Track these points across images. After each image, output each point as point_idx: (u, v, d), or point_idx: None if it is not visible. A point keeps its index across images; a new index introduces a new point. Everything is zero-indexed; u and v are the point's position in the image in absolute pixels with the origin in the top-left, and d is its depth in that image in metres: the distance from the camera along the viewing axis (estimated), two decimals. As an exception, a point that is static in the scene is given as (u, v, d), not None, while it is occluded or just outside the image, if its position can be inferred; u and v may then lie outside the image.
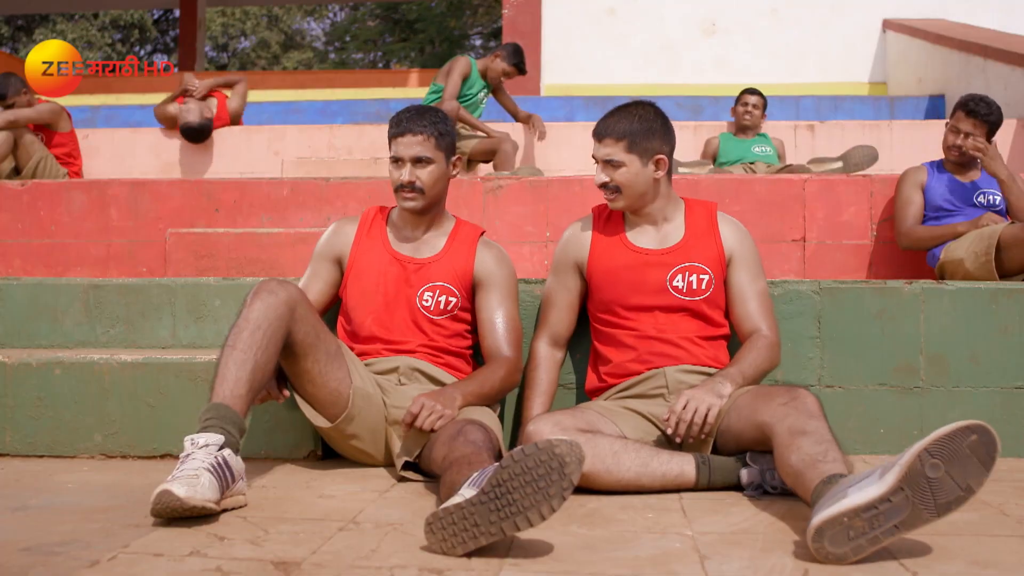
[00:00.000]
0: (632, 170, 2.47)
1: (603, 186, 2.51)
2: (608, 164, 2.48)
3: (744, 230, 2.59)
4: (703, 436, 2.24)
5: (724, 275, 2.54)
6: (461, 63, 5.87)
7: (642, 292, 2.50)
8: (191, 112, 6.18)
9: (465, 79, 5.85)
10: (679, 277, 2.49)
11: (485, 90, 6.04)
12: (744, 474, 2.18)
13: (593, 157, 2.53)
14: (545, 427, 2.20)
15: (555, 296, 2.64)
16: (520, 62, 5.95)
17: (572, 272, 2.62)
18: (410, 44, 22.90)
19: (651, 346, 2.47)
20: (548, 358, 2.63)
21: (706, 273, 2.50)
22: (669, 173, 2.54)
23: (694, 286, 2.49)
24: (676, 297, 2.49)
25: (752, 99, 6.08)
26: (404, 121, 2.55)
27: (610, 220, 2.61)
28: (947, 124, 4.00)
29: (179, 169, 6.30)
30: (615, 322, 2.53)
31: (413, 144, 2.54)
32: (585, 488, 2.11)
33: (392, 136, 2.57)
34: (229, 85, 6.65)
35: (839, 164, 5.48)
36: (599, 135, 2.50)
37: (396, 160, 2.56)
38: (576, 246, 2.61)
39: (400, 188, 2.56)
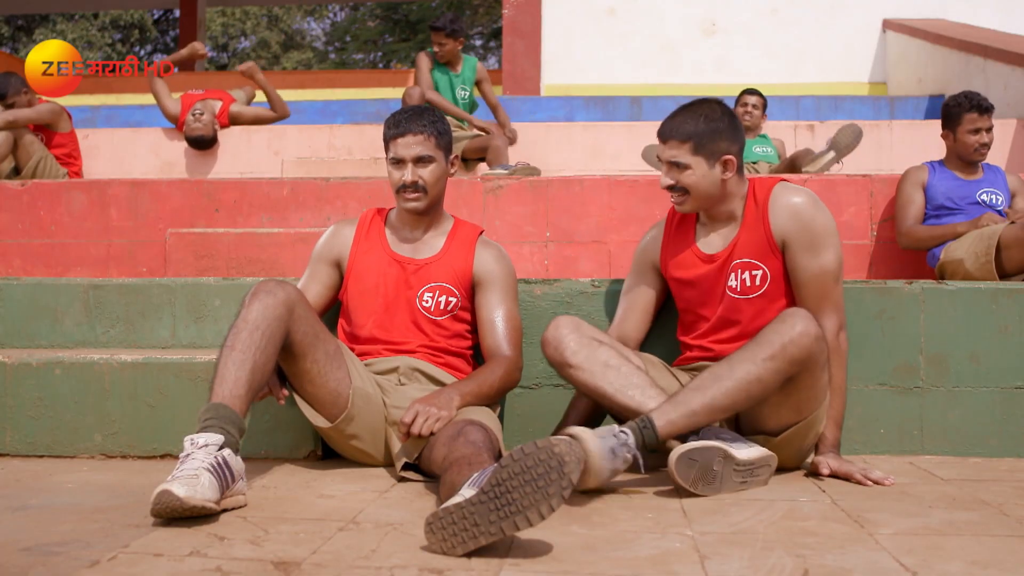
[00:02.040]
0: (698, 173, 2.38)
1: (670, 188, 2.42)
2: (673, 166, 2.39)
3: (801, 206, 2.38)
4: None
5: (782, 262, 2.41)
6: (422, 60, 5.94)
7: (709, 299, 2.47)
8: (200, 126, 6.17)
9: (430, 70, 5.89)
10: (733, 276, 2.43)
11: (464, 86, 6.03)
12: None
13: (658, 158, 2.44)
14: (565, 328, 2.34)
15: (627, 295, 2.63)
16: (436, 22, 5.83)
17: (651, 271, 2.60)
18: (410, 44, 22.89)
19: (708, 351, 2.47)
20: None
21: (759, 268, 2.41)
22: (740, 171, 2.44)
23: (747, 283, 2.41)
24: (733, 298, 2.43)
25: (752, 99, 6.07)
26: (403, 122, 2.54)
27: (683, 222, 2.55)
28: (959, 130, 3.99)
29: (179, 169, 6.30)
30: (685, 320, 2.57)
31: (414, 144, 2.53)
32: (569, 377, 2.34)
33: (391, 137, 2.56)
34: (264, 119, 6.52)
35: (831, 154, 5.47)
36: (663, 136, 2.41)
37: (397, 161, 2.56)
38: (652, 250, 2.60)
39: (402, 189, 2.56)
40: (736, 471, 2.18)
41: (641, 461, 2.08)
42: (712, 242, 2.49)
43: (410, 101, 5.74)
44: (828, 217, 2.41)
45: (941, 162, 4.10)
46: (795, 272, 2.40)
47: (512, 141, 6.10)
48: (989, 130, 4.00)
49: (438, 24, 5.84)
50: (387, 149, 2.58)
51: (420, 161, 2.54)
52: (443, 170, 2.59)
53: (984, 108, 3.99)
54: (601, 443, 2.01)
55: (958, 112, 4.01)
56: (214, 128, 6.22)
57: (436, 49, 5.88)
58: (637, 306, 2.61)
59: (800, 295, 2.40)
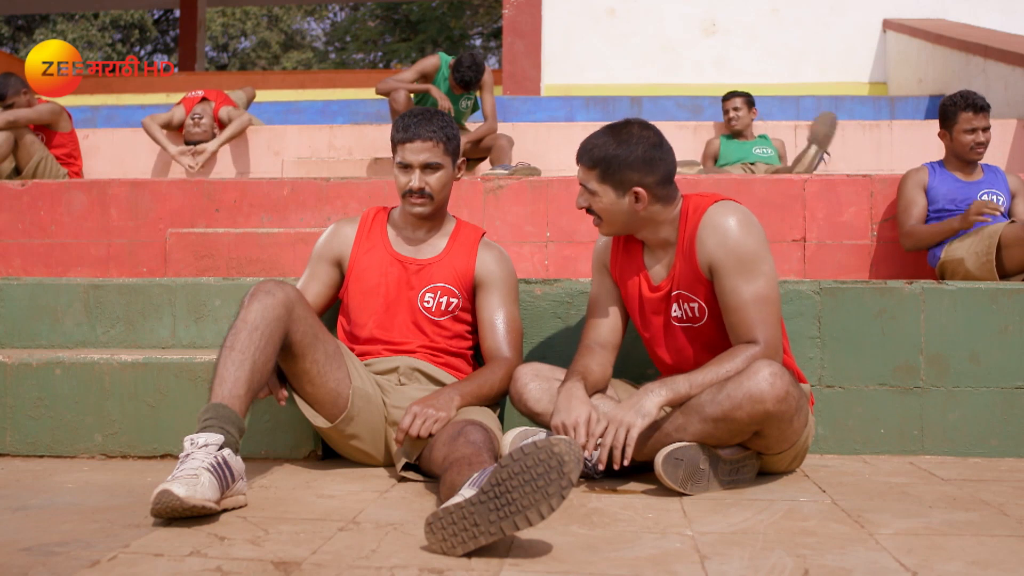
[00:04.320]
0: (606, 200, 2.29)
1: (586, 211, 2.35)
2: (584, 189, 2.32)
3: (727, 228, 2.24)
4: (625, 462, 2.11)
5: (712, 290, 2.29)
6: (428, 59, 5.85)
7: (654, 325, 2.42)
8: (200, 130, 6.15)
9: (428, 77, 5.81)
10: (676, 305, 2.36)
11: (467, 97, 6.00)
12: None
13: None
14: (524, 377, 2.40)
15: (595, 301, 2.51)
16: (460, 76, 5.72)
17: (608, 275, 2.51)
18: (411, 44, 22.89)
19: (671, 368, 2.43)
20: (588, 348, 2.43)
21: (694, 301, 2.32)
22: (666, 199, 2.30)
23: (690, 314, 2.34)
24: (678, 326, 2.37)
25: (734, 102, 6.01)
26: (412, 127, 2.52)
27: (630, 239, 2.46)
28: (955, 129, 3.99)
29: (179, 169, 6.30)
30: (641, 336, 2.51)
31: (422, 150, 2.51)
32: (540, 424, 2.40)
33: (399, 141, 2.54)
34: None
35: (813, 148, 5.45)
36: (577, 156, 2.32)
37: (405, 166, 2.54)
38: (604, 256, 2.52)
39: (408, 194, 2.55)
40: (722, 468, 2.19)
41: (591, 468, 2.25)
42: (658, 272, 2.39)
43: (396, 106, 5.67)
44: (758, 239, 2.25)
45: (941, 163, 4.10)
46: (723, 296, 2.25)
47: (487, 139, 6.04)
48: (985, 130, 3.99)
49: (457, 79, 5.72)
50: (394, 151, 2.57)
51: (428, 168, 2.53)
52: (450, 176, 2.59)
53: (979, 107, 3.98)
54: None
55: (954, 111, 4.01)
56: (213, 132, 6.21)
57: (451, 86, 5.82)
58: (607, 308, 2.48)
59: (729, 320, 2.25)
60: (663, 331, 2.40)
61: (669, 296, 2.36)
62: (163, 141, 6.18)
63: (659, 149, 2.28)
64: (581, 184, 2.33)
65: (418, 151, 2.51)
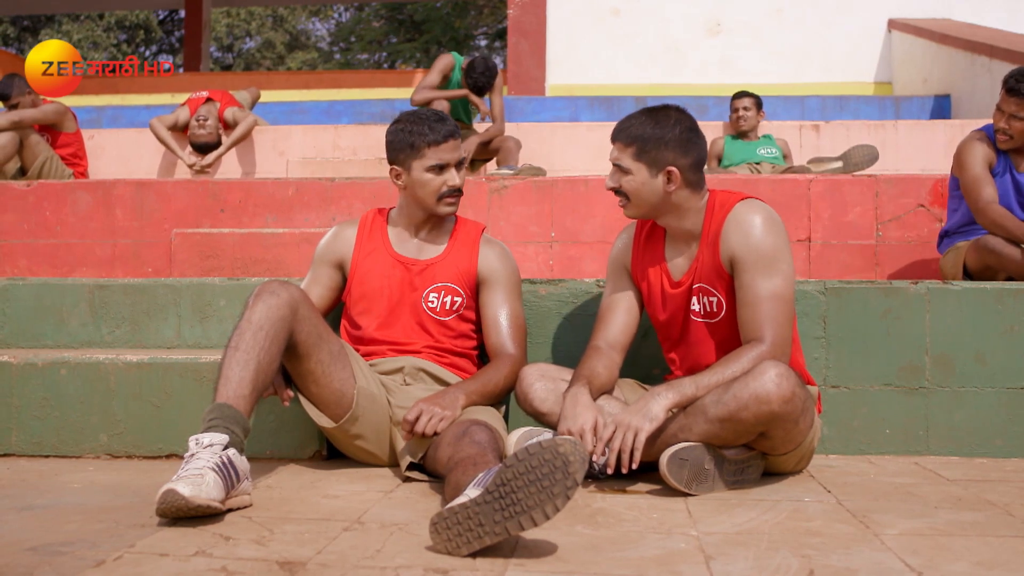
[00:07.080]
0: (638, 179, 2.30)
1: (614, 191, 2.37)
2: (617, 168, 2.34)
3: (753, 225, 2.27)
4: (633, 466, 2.10)
5: (731, 285, 2.31)
6: (443, 60, 5.83)
7: (675, 321, 2.42)
8: (205, 132, 6.16)
9: (447, 77, 5.80)
10: (695, 299, 2.37)
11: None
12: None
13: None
14: (530, 377, 2.40)
15: (608, 300, 2.52)
16: (474, 81, 5.68)
17: (625, 275, 2.51)
18: (415, 44, 22.91)
19: (681, 372, 2.43)
20: (596, 349, 2.43)
21: (714, 295, 2.33)
22: (695, 185, 2.33)
23: (708, 308, 2.34)
24: (697, 321, 2.38)
25: (744, 102, 6.00)
26: (437, 127, 2.52)
27: (652, 234, 2.47)
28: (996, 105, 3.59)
29: (185, 169, 6.31)
30: (659, 334, 2.52)
31: (455, 148, 2.54)
32: (545, 424, 2.38)
33: (430, 144, 2.50)
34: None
35: (839, 164, 5.45)
36: (613, 135, 2.36)
37: (441, 167, 2.52)
38: (624, 256, 2.52)
39: (447, 194, 2.55)
40: (727, 468, 2.19)
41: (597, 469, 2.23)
42: (679, 265, 2.40)
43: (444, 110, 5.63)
44: (781, 239, 2.28)
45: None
46: (740, 291, 2.27)
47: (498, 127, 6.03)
48: (1014, 117, 3.50)
49: (472, 85, 5.66)
50: (418, 156, 2.52)
51: (459, 164, 2.57)
52: None
53: (1011, 89, 3.51)
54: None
55: (1001, 86, 3.58)
56: (218, 134, 6.22)
57: (467, 91, 5.76)
58: (619, 309, 2.49)
59: (742, 316, 2.27)
60: (682, 326, 2.41)
61: (690, 289, 2.38)
62: (171, 143, 6.19)
63: (694, 133, 2.34)
64: (614, 164, 2.35)
65: (452, 149, 2.54)
